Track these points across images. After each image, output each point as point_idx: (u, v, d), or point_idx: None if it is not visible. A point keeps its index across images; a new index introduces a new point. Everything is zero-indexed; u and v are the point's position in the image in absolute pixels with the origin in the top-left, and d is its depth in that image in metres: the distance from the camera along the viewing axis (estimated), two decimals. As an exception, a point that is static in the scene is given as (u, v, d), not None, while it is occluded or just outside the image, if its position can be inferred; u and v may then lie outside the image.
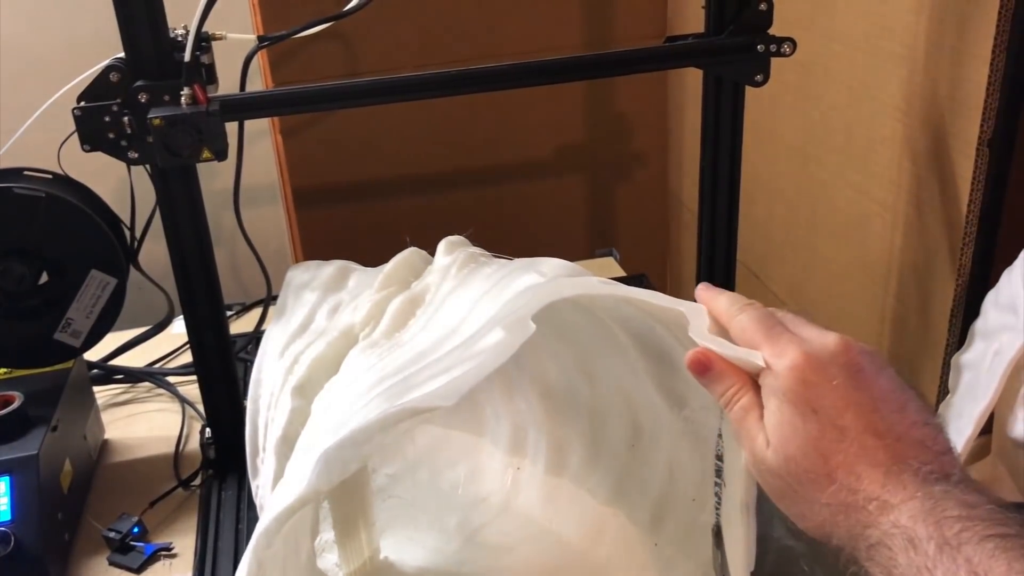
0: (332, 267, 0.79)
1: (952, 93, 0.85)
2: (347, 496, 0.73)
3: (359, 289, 0.75)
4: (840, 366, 0.47)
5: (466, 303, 0.66)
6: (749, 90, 0.88)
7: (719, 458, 0.60)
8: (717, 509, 0.62)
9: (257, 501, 0.71)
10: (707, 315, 0.55)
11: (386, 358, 0.63)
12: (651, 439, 0.72)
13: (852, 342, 0.49)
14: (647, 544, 0.73)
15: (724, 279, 0.94)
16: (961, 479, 0.43)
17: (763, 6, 0.84)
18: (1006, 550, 0.38)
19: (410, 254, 0.76)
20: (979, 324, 0.80)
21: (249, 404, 0.71)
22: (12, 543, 0.72)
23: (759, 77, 0.85)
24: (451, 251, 0.74)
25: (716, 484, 0.61)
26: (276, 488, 0.58)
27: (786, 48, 0.84)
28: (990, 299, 0.80)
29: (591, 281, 0.60)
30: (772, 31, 0.85)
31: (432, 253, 0.77)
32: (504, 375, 0.80)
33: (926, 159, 0.90)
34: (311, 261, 0.81)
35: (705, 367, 0.52)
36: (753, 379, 0.51)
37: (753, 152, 0.94)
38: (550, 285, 0.60)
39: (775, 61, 0.85)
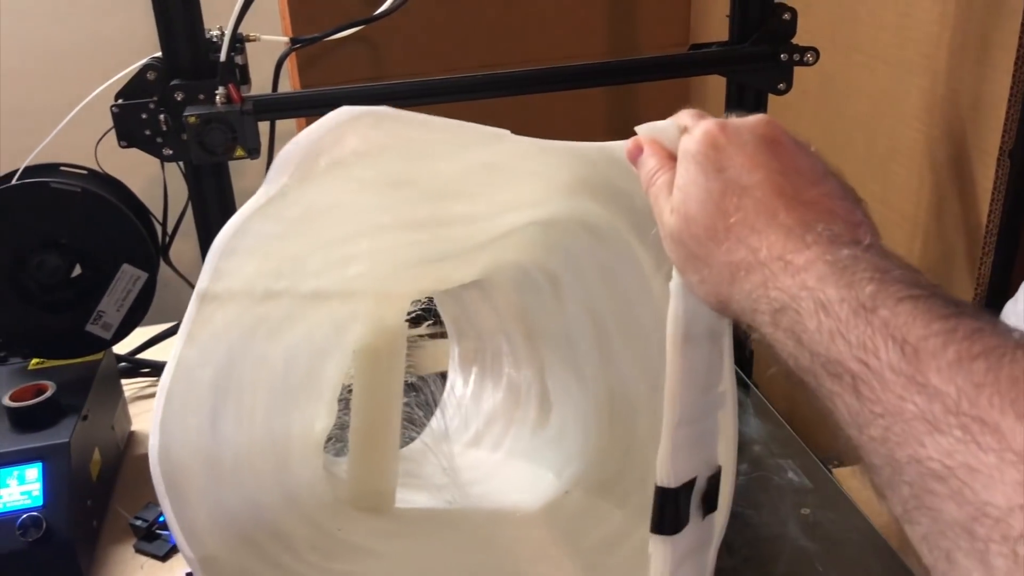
0: None
1: (974, 104, 0.86)
2: (371, 405, 0.74)
3: None
4: (756, 135, 0.45)
5: None
6: (771, 98, 0.89)
7: None
8: None
9: None
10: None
11: None
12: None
13: (777, 122, 0.47)
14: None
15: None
16: (872, 245, 0.40)
17: (787, 16, 0.85)
18: (923, 311, 0.34)
19: None
20: (997, 333, 0.81)
21: None
22: (44, 528, 0.74)
23: (782, 86, 0.87)
24: None
25: None
26: None
27: (809, 57, 0.86)
28: (1009, 308, 0.81)
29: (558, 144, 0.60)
30: (795, 41, 0.86)
31: None
32: (586, 401, 0.80)
33: (947, 169, 0.91)
34: None
35: (637, 151, 0.51)
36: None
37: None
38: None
39: (797, 70, 0.86)
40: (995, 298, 0.87)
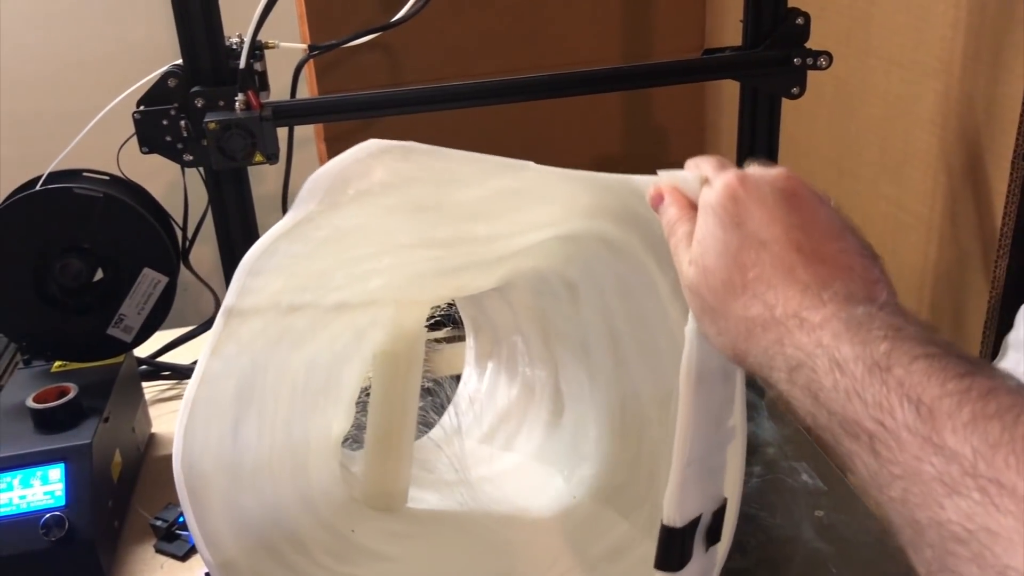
0: None
1: (988, 107, 0.86)
2: (387, 408, 0.75)
3: None
4: (776, 189, 0.46)
5: None
6: (785, 103, 0.90)
7: None
8: None
9: None
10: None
11: None
12: None
13: (797, 175, 0.47)
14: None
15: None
16: (887, 303, 0.40)
17: (800, 20, 0.85)
18: (938, 370, 0.35)
19: None
20: (1012, 336, 0.81)
21: None
22: (66, 527, 0.75)
23: (795, 90, 0.87)
24: None
25: None
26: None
27: (822, 61, 0.86)
28: (1024, 311, 0.81)
29: (580, 172, 0.61)
30: (809, 45, 0.86)
31: None
32: (598, 406, 0.81)
33: (961, 172, 0.91)
34: None
35: (659, 198, 0.51)
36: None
37: (787, 164, 0.95)
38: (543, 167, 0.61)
39: (811, 75, 0.87)
40: (1010, 301, 0.87)
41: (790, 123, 0.91)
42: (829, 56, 0.85)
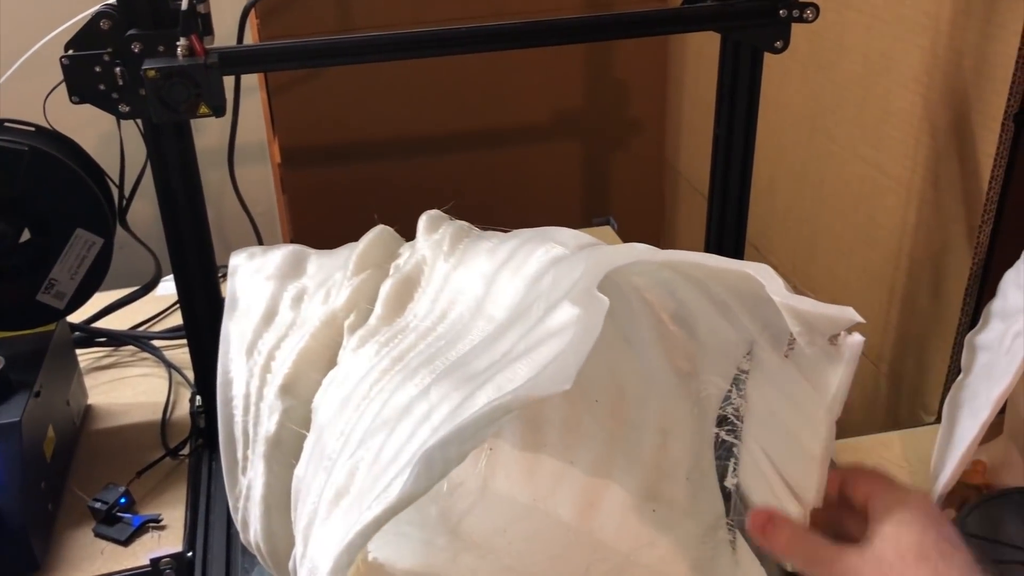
0: (282, 252, 0.72)
1: (978, 66, 0.82)
2: None
3: (324, 274, 0.69)
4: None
5: (477, 279, 0.62)
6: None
7: (727, 420, 0.61)
8: (735, 468, 0.62)
9: (238, 517, 0.65)
10: (776, 276, 0.52)
11: (392, 344, 0.59)
12: (637, 403, 0.68)
13: None
14: (644, 510, 0.70)
15: (733, 252, 0.92)
16: None
17: (786, -31, 0.80)
18: None
19: (381, 232, 0.70)
20: (997, 304, 0.78)
21: (220, 408, 0.64)
22: (-6, 514, 0.69)
23: (779, 43, 0.82)
24: (435, 226, 0.69)
25: (732, 443, 0.61)
26: (335, 499, 0.52)
27: (808, 14, 0.81)
28: (1010, 279, 0.78)
29: (640, 248, 0.56)
30: (787, -3, 0.81)
31: (414, 222, 0.71)
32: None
33: (946, 133, 0.88)
34: (254, 247, 0.75)
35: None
36: None
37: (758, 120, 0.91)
38: (603, 254, 0.56)
39: (786, 28, 0.82)
40: (993, 268, 0.85)
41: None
42: (816, 8, 0.81)
